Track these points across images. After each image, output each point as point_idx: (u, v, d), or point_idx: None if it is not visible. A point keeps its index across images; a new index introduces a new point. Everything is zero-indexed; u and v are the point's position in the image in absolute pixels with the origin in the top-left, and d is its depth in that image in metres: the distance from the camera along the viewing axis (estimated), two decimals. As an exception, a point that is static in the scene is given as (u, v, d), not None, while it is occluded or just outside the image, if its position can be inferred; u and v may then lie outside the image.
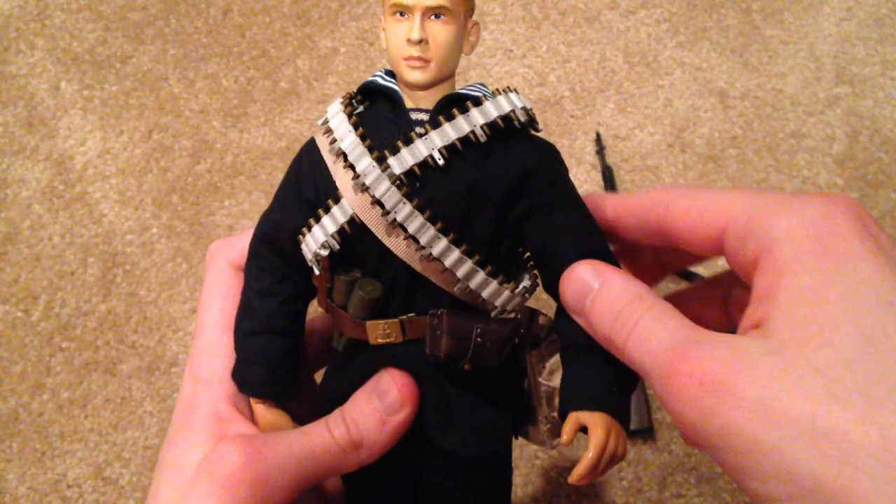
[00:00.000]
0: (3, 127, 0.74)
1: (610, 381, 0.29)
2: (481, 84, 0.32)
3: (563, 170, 0.33)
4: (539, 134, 0.33)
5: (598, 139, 0.71)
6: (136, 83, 0.76)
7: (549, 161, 0.32)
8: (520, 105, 0.30)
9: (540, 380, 0.32)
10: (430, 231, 0.28)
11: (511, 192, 0.30)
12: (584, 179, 0.70)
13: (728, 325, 0.32)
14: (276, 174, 0.70)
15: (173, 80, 0.76)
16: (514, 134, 0.31)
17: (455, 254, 0.29)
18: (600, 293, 0.27)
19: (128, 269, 0.67)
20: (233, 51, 0.77)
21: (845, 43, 0.78)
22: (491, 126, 0.29)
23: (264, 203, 0.68)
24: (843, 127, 0.73)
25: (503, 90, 0.30)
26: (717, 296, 0.32)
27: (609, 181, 0.68)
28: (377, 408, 0.30)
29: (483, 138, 0.29)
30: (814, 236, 0.22)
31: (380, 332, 0.30)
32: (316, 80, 0.75)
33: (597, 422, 0.28)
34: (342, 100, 0.31)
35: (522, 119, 0.30)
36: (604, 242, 0.31)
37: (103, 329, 0.64)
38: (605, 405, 0.29)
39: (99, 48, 0.78)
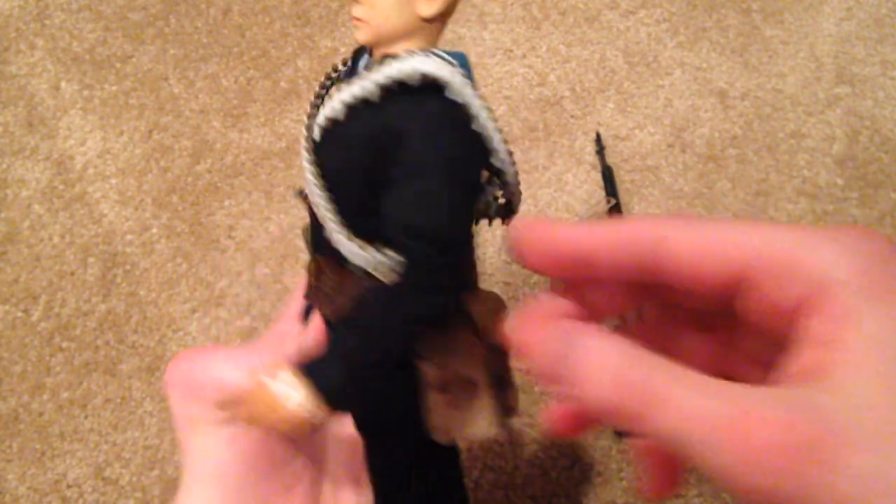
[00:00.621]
0: (3, 127, 0.74)
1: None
2: (453, 52, 0.32)
3: (427, 135, 0.29)
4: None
5: (598, 139, 0.71)
6: (136, 83, 0.76)
7: (416, 124, 0.30)
8: (421, 69, 0.29)
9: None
10: (309, 173, 0.31)
11: (376, 151, 0.30)
12: (585, 179, 0.70)
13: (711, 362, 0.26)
14: (275, 174, 0.70)
15: (173, 80, 0.76)
16: (409, 95, 0.30)
17: (319, 198, 0.30)
18: (584, 358, 0.22)
19: (128, 269, 0.67)
20: (233, 51, 0.77)
21: (845, 43, 0.78)
22: (384, 86, 0.29)
23: (264, 203, 0.68)
24: (843, 127, 0.73)
25: (420, 52, 0.31)
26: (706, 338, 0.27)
27: (609, 181, 0.68)
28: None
29: (374, 97, 0.30)
30: (869, 275, 0.20)
31: (309, 267, 0.33)
32: (316, 80, 0.75)
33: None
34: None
35: (417, 82, 0.29)
36: (435, 221, 0.29)
37: (103, 329, 0.64)
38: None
39: (99, 48, 0.78)
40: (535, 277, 0.65)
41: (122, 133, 0.73)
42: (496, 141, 0.31)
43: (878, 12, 0.80)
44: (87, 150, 0.72)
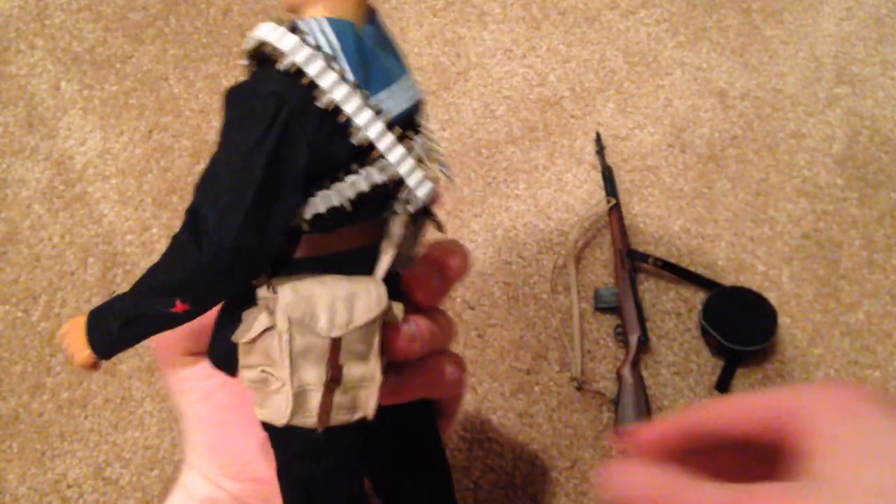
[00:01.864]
0: (3, 127, 0.74)
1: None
2: (342, 20, 0.27)
3: (228, 109, 0.26)
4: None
5: (598, 139, 0.71)
6: (136, 83, 0.76)
7: (227, 97, 0.26)
8: (255, 36, 0.27)
9: None
10: None
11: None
12: (585, 179, 0.70)
13: None
14: (276, 174, 0.70)
15: (173, 80, 0.76)
16: (258, 66, 0.27)
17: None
18: (628, 485, 0.28)
19: (128, 269, 0.67)
20: (233, 51, 0.77)
21: (845, 43, 0.78)
22: (246, 55, 0.27)
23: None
24: (843, 127, 0.73)
25: (287, 21, 0.27)
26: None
27: (609, 181, 0.68)
28: None
29: (244, 66, 0.27)
30: (843, 411, 0.26)
31: None
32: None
33: None
34: None
35: (257, 52, 0.27)
36: (197, 203, 0.26)
37: (103, 329, 0.64)
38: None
39: (99, 48, 0.78)
40: (535, 277, 0.65)
41: (122, 133, 0.73)
42: (362, 120, 0.26)
43: (878, 12, 0.80)
44: (87, 150, 0.72)
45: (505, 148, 0.72)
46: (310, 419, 0.27)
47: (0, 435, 0.61)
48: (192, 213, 0.26)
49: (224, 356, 0.30)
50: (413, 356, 0.31)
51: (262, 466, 0.35)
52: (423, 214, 0.30)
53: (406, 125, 0.28)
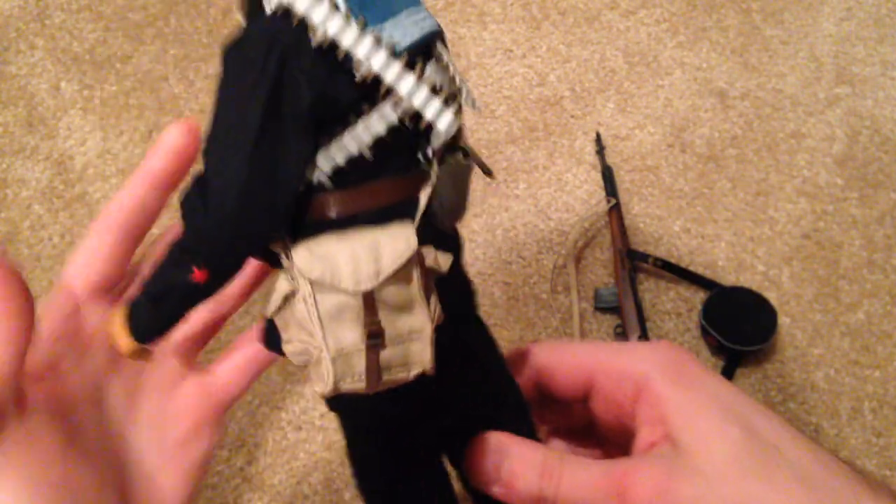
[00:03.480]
0: (3, 127, 0.74)
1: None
2: None
3: (224, 65, 0.25)
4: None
5: (598, 139, 0.71)
6: (136, 83, 0.76)
7: (224, 50, 0.25)
8: None
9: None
10: None
11: None
12: (585, 179, 0.70)
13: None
14: (276, 174, 0.70)
15: (173, 80, 0.76)
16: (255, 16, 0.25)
17: None
18: (515, 460, 0.31)
19: (127, 269, 0.67)
20: (233, 51, 0.77)
21: (845, 43, 0.78)
22: (242, 11, 0.25)
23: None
24: (843, 127, 0.73)
25: None
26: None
27: (609, 181, 0.68)
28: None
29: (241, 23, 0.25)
30: (674, 370, 0.30)
31: None
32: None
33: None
34: None
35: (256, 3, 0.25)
36: (203, 160, 0.27)
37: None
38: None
39: (99, 48, 0.78)
40: (535, 277, 0.65)
41: (122, 133, 0.73)
42: (362, 52, 0.23)
43: (878, 12, 0.80)
44: (87, 150, 0.72)
45: (505, 148, 0.72)
46: (358, 383, 0.25)
47: (0, 435, 0.61)
48: (198, 175, 0.25)
49: (268, 336, 0.28)
50: None
51: None
52: (455, 151, 0.27)
53: (420, 56, 0.25)
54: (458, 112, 0.26)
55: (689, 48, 0.78)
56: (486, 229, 0.67)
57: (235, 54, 0.24)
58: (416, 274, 0.25)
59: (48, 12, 0.81)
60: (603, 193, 0.68)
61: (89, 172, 0.71)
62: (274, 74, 0.23)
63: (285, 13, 0.23)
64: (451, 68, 0.26)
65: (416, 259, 0.25)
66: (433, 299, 0.26)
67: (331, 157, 0.24)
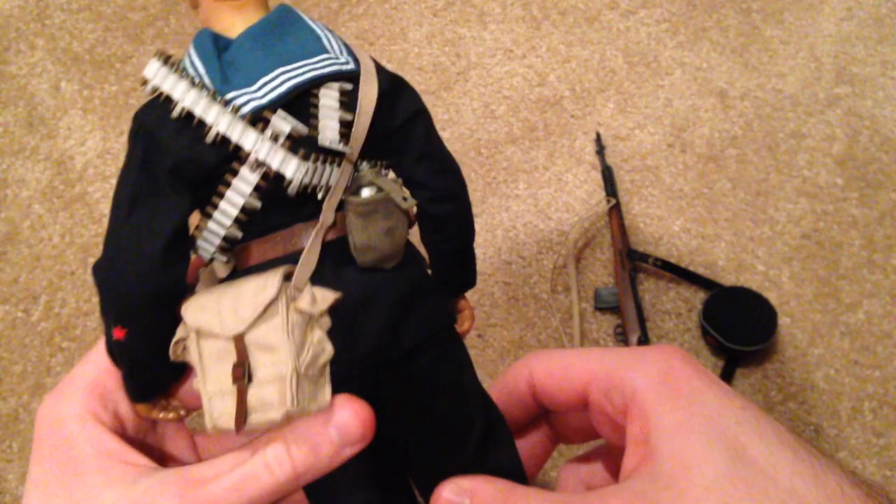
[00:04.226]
0: (3, 127, 0.74)
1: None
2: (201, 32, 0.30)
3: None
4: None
5: (598, 139, 0.71)
6: (136, 83, 0.76)
7: None
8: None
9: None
10: None
11: None
12: (585, 179, 0.70)
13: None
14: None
15: (173, 80, 0.76)
16: None
17: None
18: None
19: (128, 269, 0.67)
20: (233, 51, 0.77)
21: (845, 43, 0.78)
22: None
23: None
24: (843, 127, 0.73)
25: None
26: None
27: (609, 181, 0.68)
28: (334, 441, 0.28)
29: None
30: (665, 382, 0.28)
31: None
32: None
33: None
34: None
35: None
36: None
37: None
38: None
39: (99, 48, 0.78)
40: (535, 277, 0.65)
41: (122, 133, 0.73)
42: (211, 117, 0.26)
43: (878, 12, 0.80)
44: (87, 150, 0.72)
45: (505, 148, 0.72)
46: (227, 423, 0.26)
47: (0, 435, 0.61)
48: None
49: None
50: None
51: None
52: (360, 190, 0.29)
53: (292, 106, 0.27)
54: (316, 156, 0.27)
55: (689, 48, 0.78)
56: (486, 229, 0.67)
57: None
58: (281, 317, 0.26)
59: (48, 12, 0.81)
60: (603, 193, 0.68)
61: (89, 172, 0.71)
62: (144, 146, 0.27)
63: (154, 92, 0.27)
64: (327, 111, 0.28)
65: (282, 301, 0.26)
66: (313, 338, 0.27)
67: (226, 212, 0.28)
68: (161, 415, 0.30)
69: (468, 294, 0.36)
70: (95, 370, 0.30)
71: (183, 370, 0.30)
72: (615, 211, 0.67)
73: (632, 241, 0.66)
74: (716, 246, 0.67)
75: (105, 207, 0.69)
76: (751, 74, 0.76)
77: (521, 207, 0.69)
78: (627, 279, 0.63)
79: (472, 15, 0.80)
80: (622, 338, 0.62)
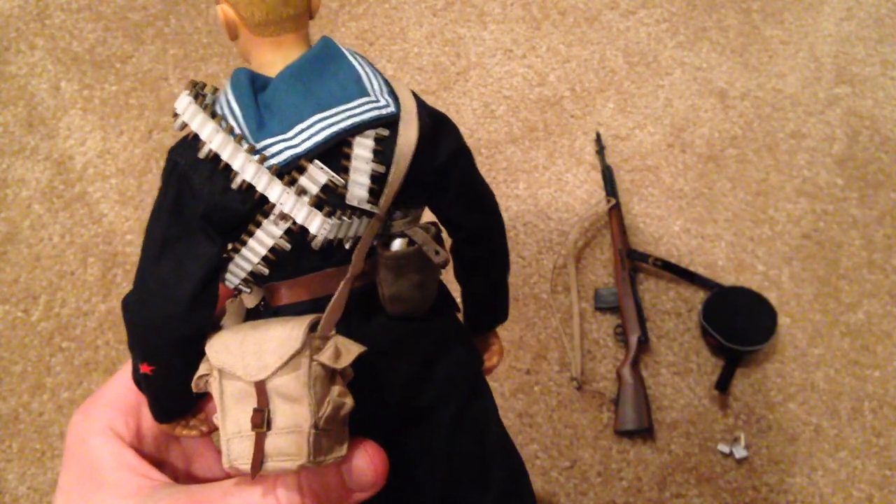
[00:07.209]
0: (3, 127, 0.74)
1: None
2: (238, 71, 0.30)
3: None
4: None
5: (598, 139, 0.71)
6: (136, 83, 0.76)
7: None
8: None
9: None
10: None
11: None
12: (584, 179, 0.70)
13: None
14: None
15: (173, 80, 0.76)
16: None
17: None
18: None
19: (128, 269, 0.67)
20: (233, 51, 0.77)
21: (845, 43, 0.78)
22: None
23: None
24: (843, 127, 0.73)
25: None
26: None
27: (609, 181, 0.68)
28: (346, 484, 0.28)
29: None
30: None
31: None
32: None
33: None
34: None
35: None
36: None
37: (103, 329, 0.64)
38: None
39: (99, 48, 0.78)
40: (535, 277, 0.65)
41: (122, 133, 0.73)
42: (238, 164, 0.26)
43: (878, 12, 0.80)
44: (87, 150, 0.72)
45: (505, 148, 0.72)
46: (244, 466, 0.26)
47: (0, 435, 0.61)
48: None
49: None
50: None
51: None
52: (391, 241, 0.29)
53: (328, 156, 0.27)
54: (342, 212, 0.27)
55: (689, 48, 0.78)
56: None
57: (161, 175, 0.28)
58: (304, 369, 0.26)
59: (48, 12, 0.81)
60: (603, 193, 0.68)
61: (89, 172, 0.71)
62: (176, 190, 0.27)
63: (183, 128, 0.27)
64: (360, 162, 0.27)
65: (306, 354, 0.26)
66: (334, 392, 0.27)
67: (254, 250, 0.28)
68: (185, 432, 0.31)
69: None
70: (122, 389, 0.31)
71: (205, 395, 0.30)
72: (615, 211, 0.67)
73: (632, 241, 0.66)
74: (716, 246, 0.67)
75: (105, 207, 0.69)
76: (751, 74, 0.76)
77: (521, 207, 0.69)
78: (627, 279, 0.63)
79: (472, 15, 0.80)
80: (622, 338, 0.62)
